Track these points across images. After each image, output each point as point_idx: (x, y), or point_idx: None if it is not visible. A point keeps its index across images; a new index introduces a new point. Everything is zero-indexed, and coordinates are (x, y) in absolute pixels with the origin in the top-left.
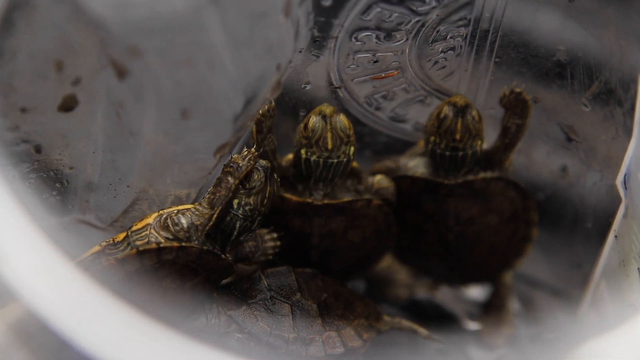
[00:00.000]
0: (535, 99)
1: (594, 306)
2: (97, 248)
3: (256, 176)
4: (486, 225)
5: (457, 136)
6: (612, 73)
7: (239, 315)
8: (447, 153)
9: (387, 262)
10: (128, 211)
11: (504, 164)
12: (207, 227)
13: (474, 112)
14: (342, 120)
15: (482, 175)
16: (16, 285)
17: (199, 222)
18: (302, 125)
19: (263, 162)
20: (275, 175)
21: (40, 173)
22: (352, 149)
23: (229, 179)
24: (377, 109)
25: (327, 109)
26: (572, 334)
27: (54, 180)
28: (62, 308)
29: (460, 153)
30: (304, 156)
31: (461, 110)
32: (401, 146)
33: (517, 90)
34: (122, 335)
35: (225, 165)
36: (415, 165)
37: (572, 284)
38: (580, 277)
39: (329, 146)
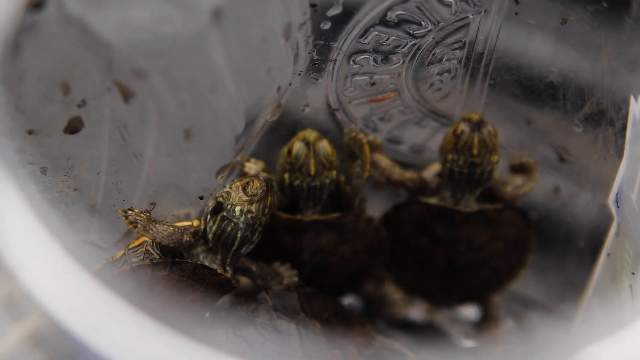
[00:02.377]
0: (529, 121)
1: (586, 323)
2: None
3: (258, 184)
4: (493, 251)
5: (475, 151)
6: (603, 94)
7: (248, 335)
8: (465, 170)
9: (383, 283)
10: (131, 232)
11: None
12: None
13: (489, 127)
14: (325, 146)
15: (494, 205)
16: (35, 295)
17: (185, 239)
18: (285, 150)
19: (264, 173)
20: (275, 187)
21: (46, 194)
22: (335, 172)
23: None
24: (375, 130)
25: (311, 135)
26: (564, 345)
27: (58, 202)
28: (80, 316)
29: (478, 170)
30: (287, 181)
31: (477, 126)
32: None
33: (524, 160)
34: (139, 341)
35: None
36: (432, 189)
37: (565, 302)
38: (573, 296)
39: (312, 172)
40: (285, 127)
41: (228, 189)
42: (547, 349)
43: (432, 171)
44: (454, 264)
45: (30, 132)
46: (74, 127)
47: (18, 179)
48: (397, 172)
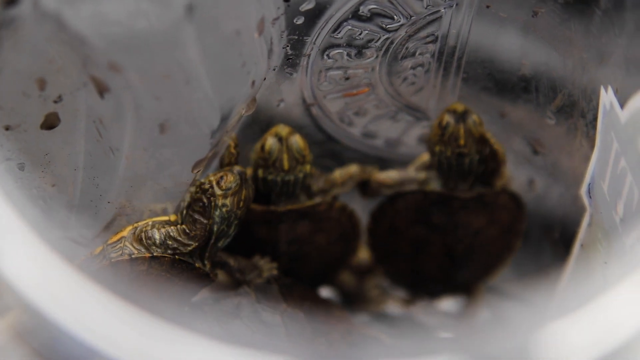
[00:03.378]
0: (502, 114)
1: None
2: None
3: (232, 178)
4: (489, 236)
5: (462, 142)
6: (575, 86)
7: (235, 329)
8: (454, 161)
9: (363, 278)
10: (109, 227)
11: (496, 183)
12: (180, 252)
13: (474, 117)
14: (297, 141)
15: (489, 188)
16: (17, 287)
17: (171, 243)
18: (258, 146)
19: (237, 167)
20: (249, 180)
21: (24, 190)
22: (308, 166)
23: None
24: (350, 125)
25: (283, 130)
26: (531, 322)
27: (37, 198)
28: (63, 306)
29: (467, 159)
30: (261, 176)
31: (462, 116)
32: (373, 162)
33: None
34: (124, 330)
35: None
36: (424, 179)
37: (541, 294)
38: (548, 287)
39: (285, 167)
40: (260, 123)
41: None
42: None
43: (419, 163)
44: (452, 251)
45: (7, 128)
46: (50, 123)
47: None
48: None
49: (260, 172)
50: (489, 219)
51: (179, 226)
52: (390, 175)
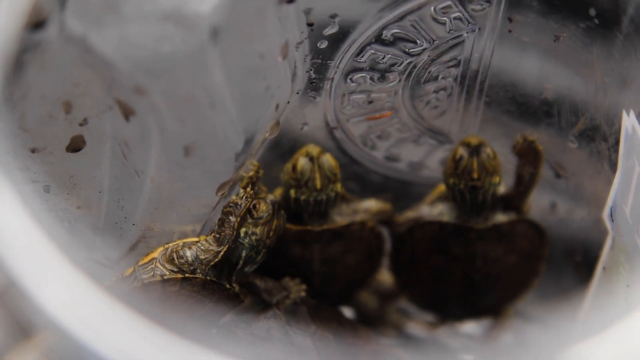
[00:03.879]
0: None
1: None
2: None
3: (264, 207)
4: (508, 264)
5: (475, 175)
6: (597, 109)
7: (267, 353)
8: (468, 195)
9: (386, 302)
10: (134, 249)
11: (522, 209)
12: (212, 263)
13: (489, 150)
14: (329, 160)
15: (506, 218)
16: (48, 311)
17: (204, 257)
18: (289, 166)
19: (272, 196)
20: (282, 211)
21: (50, 212)
22: (339, 185)
23: (231, 218)
24: (373, 148)
25: (314, 150)
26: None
27: (62, 220)
28: (94, 330)
29: (481, 192)
30: (293, 196)
31: (475, 149)
32: (396, 185)
33: (530, 138)
34: (155, 353)
35: (225, 206)
36: (440, 212)
37: (563, 317)
38: (571, 310)
39: (318, 187)
40: (283, 146)
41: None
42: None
43: (436, 193)
44: (471, 280)
45: (34, 151)
46: (76, 146)
47: (24, 198)
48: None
49: (292, 193)
50: (507, 248)
51: (208, 236)
52: (407, 216)
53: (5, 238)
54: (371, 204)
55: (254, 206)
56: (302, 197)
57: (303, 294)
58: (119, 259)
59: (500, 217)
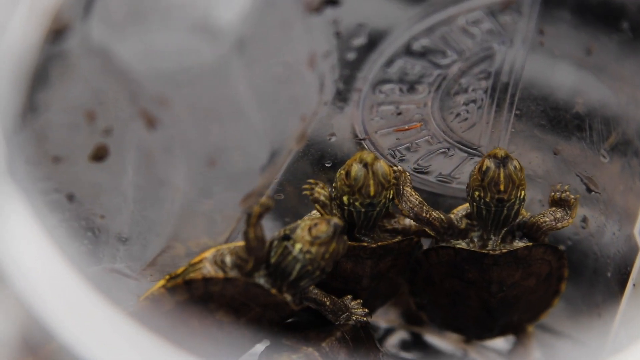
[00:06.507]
0: (555, 151)
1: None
2: (162, 282)
3: (324, 228)
4: (526, 287)
5: (502, 187)
6: (628, 124)
7: None
8: (493, 207)
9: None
10: (157, 259)
11: (542, 240)
12: (246, 271)
13: (515, 162)
14: (382, 166)
15: (522, 243)
16: (55, 328)
17: (240, 263)
18: (343, 172)
19: (336, 219)
20: (345, 237)
21: (72, 222)
22: (392, 192)
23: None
24: (401, 160)
25: (368, 156)
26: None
27: (85, 230)
28: (103, 347)
29: (506, 205)
30: (346, 202)
31: (502, 161)
32: (425, 197)
33: (566, 191)
34: None
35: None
36: (460, 230)
37: (593, 334)
38: (601, 327)
39: (372, 193)
40: (311, 157)
41: (298, 223)
42: None
43: (460, 212)
44: (487, 304)
45: (56, 160)
46: (99, 155)
47: (36, 209)
48: (425, 210)
49: (345, 199)
50: (524, 273)
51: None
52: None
53: (14, 252)
54: (411, 223)
55: (315, 225)
56: (357, 204)
57: (365, 318)
58: (142, 269)
59: (517, 243)
